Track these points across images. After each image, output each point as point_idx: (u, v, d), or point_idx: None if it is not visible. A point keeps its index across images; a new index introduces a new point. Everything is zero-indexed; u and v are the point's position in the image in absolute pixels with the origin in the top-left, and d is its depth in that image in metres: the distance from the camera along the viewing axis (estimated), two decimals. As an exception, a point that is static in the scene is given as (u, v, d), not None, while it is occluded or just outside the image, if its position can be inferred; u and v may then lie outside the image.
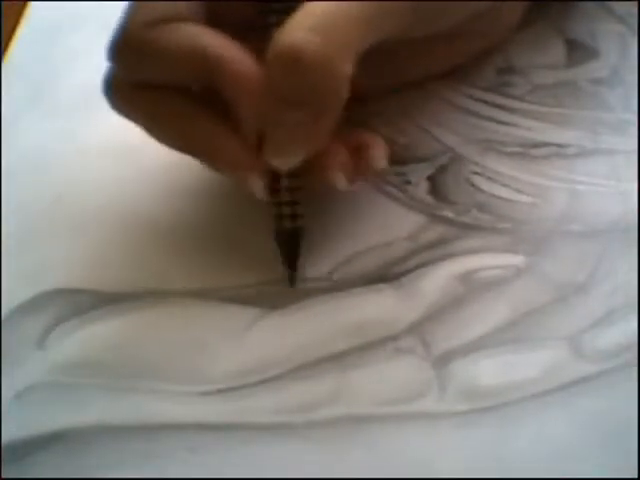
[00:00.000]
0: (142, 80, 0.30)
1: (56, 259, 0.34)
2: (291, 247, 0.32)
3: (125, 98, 0.31)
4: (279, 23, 0.28)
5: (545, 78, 0.37)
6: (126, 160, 0.37)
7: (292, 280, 0.32)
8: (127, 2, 0.30)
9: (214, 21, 0.30)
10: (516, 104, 0.36)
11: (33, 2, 0.45)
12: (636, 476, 0.27)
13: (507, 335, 0.30)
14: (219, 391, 0.30)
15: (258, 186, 0.30)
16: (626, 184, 0.33)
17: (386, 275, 0.32)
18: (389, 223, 0.33)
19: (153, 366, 0.31)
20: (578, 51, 0.38)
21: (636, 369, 0.28)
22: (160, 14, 0.29)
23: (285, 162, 0.30)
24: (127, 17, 0.30)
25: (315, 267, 0.33)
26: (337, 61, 0.27)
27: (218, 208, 0.35)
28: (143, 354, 0.31)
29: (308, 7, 0.27)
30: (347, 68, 0.27)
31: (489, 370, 0.29)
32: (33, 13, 0.44)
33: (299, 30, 0.27)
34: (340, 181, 0.30)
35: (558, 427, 0.28)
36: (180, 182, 0.36)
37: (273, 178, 0.30)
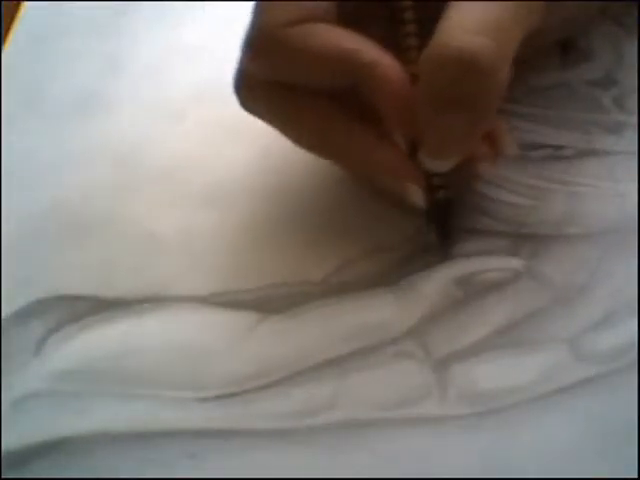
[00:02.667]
0: (278, 79, 0.30)
1: (54, 265, 0.34)
2: (444, 217, 0.31)
3: (259, 96, 0.30)
4: (413, 21, 0.28)
5: (541, 80, 0.37)
6: (124, 164, 0.37)
7: (445, 250, 0.32)
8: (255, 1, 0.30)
9: (345, 20, 0.30)
10: (511, 106, 0.36)
11: (27, 4, 0.44)
12: (636, 476, 0.27)
13: (507, 338, 0.30)
14: (219, 397, 0.30)
15: (418, 195, 0.30)
16: (623, 185, 0.33)
17: (385, 279, 0.32)
18: (388, 226, 0.33)
19: (153, 372, 0.31)
20: (573, 53, 0.38)
21: (636, 371, 0.29)
22: (298, 14, 0.29)
23: (443, 165, 0.29)
24: (263, 15, 0.29)
25: (314, 270, 0.33)
26: (506, 64, 0.27)
27: (218, 213, 0.35)
28: (142, 360, 0.31)
29: (463, 8, 0.27)
30: (509, 70, 0.27)
31: (489, 373, 0.29)
32: (26, 16, 0.44)
33: (466, 33, 0.26)
34: (486, 171, 0.31)
35: (558, 429, 0.28)
36: (180, 187, 0.36)
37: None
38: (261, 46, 0.29)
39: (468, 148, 0.29)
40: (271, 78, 0.30)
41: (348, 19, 0.30)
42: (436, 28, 0.27)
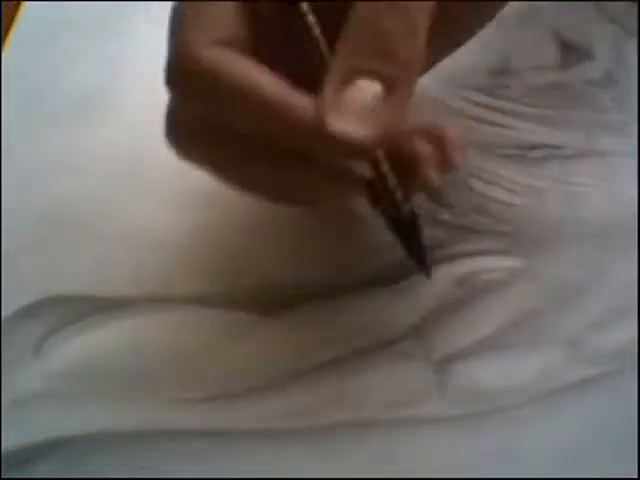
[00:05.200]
0: (209, 116, 0.27)
1: (54, 265, 0.34)
2: (414, 232, 0.30)
3: (192, 141, 0.28)
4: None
5: (540, 80, 0.37)
6: (124, 164, 0.37)
7: (428, 268, 0.30)
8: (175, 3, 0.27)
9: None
10: (511, 106, 0.36)
11: (27, 4, 0.44)
12: (636, 476, 0.27)
13: (507, 338, 0.30)
14: (218, 397, 0.30)
15: (362, 203, 0.28)
16: (622, 185, 0.33)
17: (384, 279, 0.32)
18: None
19: (151, 372, 0.31)
20: (572, 52, 0.38)
21: (636, 371, 0.29)
22: (220, 33, 0.26)
23: (359, 129, 0.25)
24: (182, 30, 0.27)
25: (314, 270, 0.33)
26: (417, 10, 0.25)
27: (217, 213, 0.35)
28: (141, 360, 0.31)
29: None
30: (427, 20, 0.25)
31: (489, 373, 0.29)
32: (26, 16, 0.44)
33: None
34: (435, 179, 0.28)
35: (559, 429, 0.28)
36: (180, 189, 0.36)
37: (374, 166, 0.28)
38: (182, 67, 0.26)
39: (392, 119, 0.26)
40: (200, 113, 0.27)
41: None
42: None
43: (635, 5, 0.38)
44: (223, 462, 0.29)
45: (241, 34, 0.27)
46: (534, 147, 0.35)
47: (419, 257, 0.31)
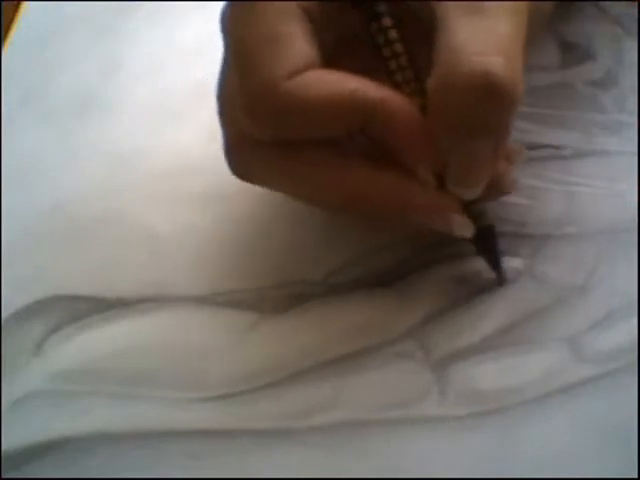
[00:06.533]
0: (280, 136, 0.28)
1: (54, 265, 0.34)
2: (492, 243, 0.30)
3: (259, 159, 0.29)
4: (401, 53, 0.28)
5: (540, 80, 0.37)
6: (123, 164, 0.37)
7: (502, 278, 0.31)
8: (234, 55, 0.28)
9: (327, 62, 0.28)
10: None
11: (27, 4, 0.44)
12: (636, 476, 0.27)
13: (506, 338, 0.30)
14: (219, 397, 0.30)
15: (465, 225, 0.29)
16: (622, 185, 0.33)
17: (384, 279, 0.32)
18: (386, 227, 0.33)
19: (152, 372, 0.31)
20: (573, 52, 0.38)
21: (636, 371, 0.29)
22: (294, 64, 0.27)
23: (472, 192, 0.28)
24: (256, 70, 0.27)
25: (314, 270, 0.33)
26: (520, 79, 0.26)
27: (218, 213, 0.35)
28: (142, 360, 0.31)
29: (463, 28, 0.26)
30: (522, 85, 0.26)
31: (489, 373, 0.29)
32: (26, 16, 0.44)
33: (476, 54, 0.25)
34: (511, 185, 0.30)
35: (559, 429, 0.28)
36: (180, 187, 0.36)
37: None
38: (263, 104, 0.27)
39: (493, 170, 0.28)
40: (271, 137, 0.28)
41: (329, 62, 0.28)
42: (435, 54, 0.26)
43: (635, 5, 0.38)
44: (223, 462, 0.29)
45: (314, 57, 0.28)
46: (534, 147, 0.35)
47: (495, 266, 0.31)
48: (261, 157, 0.29)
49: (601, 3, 0.39)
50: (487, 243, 0.30)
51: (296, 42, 0.27)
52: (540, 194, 0.33)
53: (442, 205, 0.29)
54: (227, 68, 0.29)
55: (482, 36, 0.26)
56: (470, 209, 0.29)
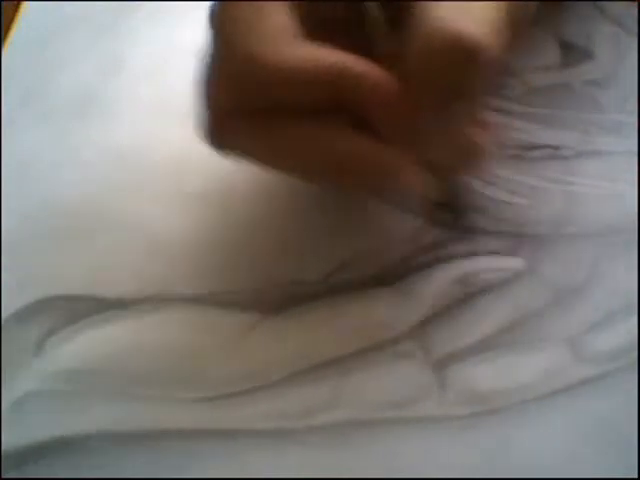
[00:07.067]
0: (255, 105, 0.28)
1: (53, 265, 0.34)
2: (457, 197, 0.31)
3: (240, 130, 0.28)
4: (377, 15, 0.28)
5: (540, 80, 0.37)
6: (123, 164, 0.37)
7: (460, 224, 0.31)
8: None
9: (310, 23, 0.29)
10: (512, 106, 0.36)
11: (27, 4, 0.44)
12: (636, 476, 0.27)
13: (507, 338, 0.30)
14: (219, 397, 0.30)
15: (430, 186, 0.29)
16: (622, 185, 0.33)
17: (385, 279, 0.32)
18: (387, 226, 0.33)
19: (153, 372, 0.31)
20: (573, 53, 0.38)
21: (636, 371, 0.29)
22: (276, 35, 0.27)
23: (450, 156, 0.28)
24: (234, 37, 0.28)
25: (314, 270, 0.33)
26: (496, 48, 0.26)
27: (217, 212, 0.35)
28: (142, 360, 0.31)
29: (455, 4, 0.26)
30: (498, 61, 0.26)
31: (489, 373, 0.29)
32: (26, 16, 0.44)
33: (461, 21, 0.26)
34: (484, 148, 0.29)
35: (558, 429, 0.28)
36: (180, 187, 0.36)
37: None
38: (245, 74, 0.27)
39: (464, 135, 0.28)
40: (247, 106, 0.28)
41: (313, 32, 0.28)
42: (412, 26, 0.26)
43: (635, 5, 0.38)
44: (223, 462, 0.29)
45: (296, 29, 0.28)
46: (534, 147, 0.35)
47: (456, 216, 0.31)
48: (245, 130, 0.29)
49: (601, 3, 0.39)
50: (453, 197, 0.31)
51: (279, 16, 0.28)
52: (540, 194, 0.33)
53: (409, 168, 0.28)
54: (212, 58, 0.29)
55: (458, 10, 0.26)
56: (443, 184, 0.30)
